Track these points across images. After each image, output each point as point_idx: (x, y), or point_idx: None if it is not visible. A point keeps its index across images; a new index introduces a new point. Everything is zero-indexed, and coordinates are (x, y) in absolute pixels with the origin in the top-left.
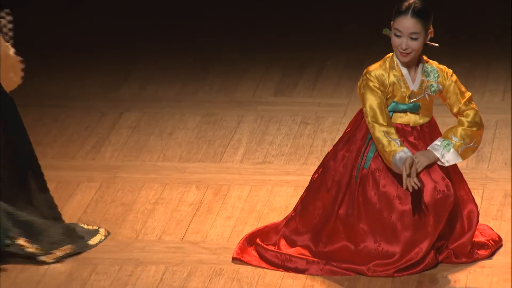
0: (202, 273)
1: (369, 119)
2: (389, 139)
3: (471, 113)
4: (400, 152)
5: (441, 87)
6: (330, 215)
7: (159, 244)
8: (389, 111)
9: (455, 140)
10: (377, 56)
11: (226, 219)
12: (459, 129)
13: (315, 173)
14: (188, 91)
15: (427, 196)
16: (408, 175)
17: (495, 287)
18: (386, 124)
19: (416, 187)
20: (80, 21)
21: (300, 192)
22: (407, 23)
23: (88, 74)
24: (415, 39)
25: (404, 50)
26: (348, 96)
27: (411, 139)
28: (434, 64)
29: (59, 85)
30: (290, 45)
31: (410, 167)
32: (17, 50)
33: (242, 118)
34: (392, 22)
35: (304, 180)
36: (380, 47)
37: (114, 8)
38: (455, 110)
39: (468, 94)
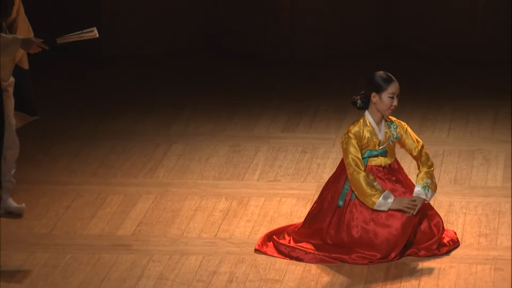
0: (229, 261)
1: (353, 167)
2: (371, 181)
3: (426, 157)
4: (385, 192)
5: (400, 135)
6: (323, 233)
7: (198, 240)
8: (366, 157)
9: (428, 181)
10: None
11: (247, 221)
12: (424, 173)
13: (315, 202)
14: (219, 129)
15: (396, 219)
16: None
17: (442, 271)
18: (364, 169)
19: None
20: (142, 76)
21: (301, 202)
22: (397, 86)
23: (146, 116)
24: (398, 96)
25: (395, 107)
26: (336, 132)
27: (381, 175)
28: (393, 118)
29: (125, 124)
30: (293, 96)
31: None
32: (99, 97)
33: (258, 148)
34: (378, 92)
35: (304, 193)
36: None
37: (164, 68)
38: (415, 154)
39: (420, 141)
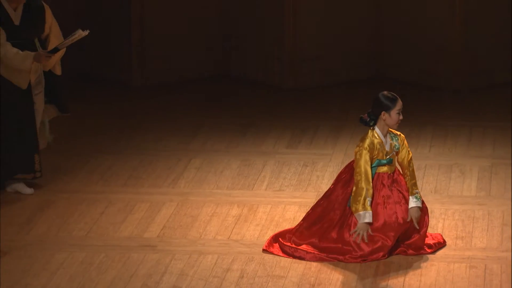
0: (241, 259)
1: (362, 176)
2: (368, 195)
3: (412, 168)
4: (368, 211)
5: (399, 146)
6: (332, 224)
7: (214, 241)
8: (375, 166)
9: (417, 191)
10: (351, 124)
11: (256, 225)
12: (413, 184)
13: (321, 199)
14: (232, 145)
15: (390, 229)
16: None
17: (425, 269)
18: (370, 182)
19: (362, 241)
20: (166, 100)
21: (303, 209)
22: (401, 102)
23: (169, 134)
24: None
25: (401, 120)
26: (332, 148)
27: (385, 182)
28: (393, 131)
29: (151, 141)
30: (296, 117)
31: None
32: (129, 119)
33: (266, 162)
34: (387, 110)
35: (305, 201)
36: (353, 120)
37: (185, 94)
38: (405, 163)
39: (411, 153)
